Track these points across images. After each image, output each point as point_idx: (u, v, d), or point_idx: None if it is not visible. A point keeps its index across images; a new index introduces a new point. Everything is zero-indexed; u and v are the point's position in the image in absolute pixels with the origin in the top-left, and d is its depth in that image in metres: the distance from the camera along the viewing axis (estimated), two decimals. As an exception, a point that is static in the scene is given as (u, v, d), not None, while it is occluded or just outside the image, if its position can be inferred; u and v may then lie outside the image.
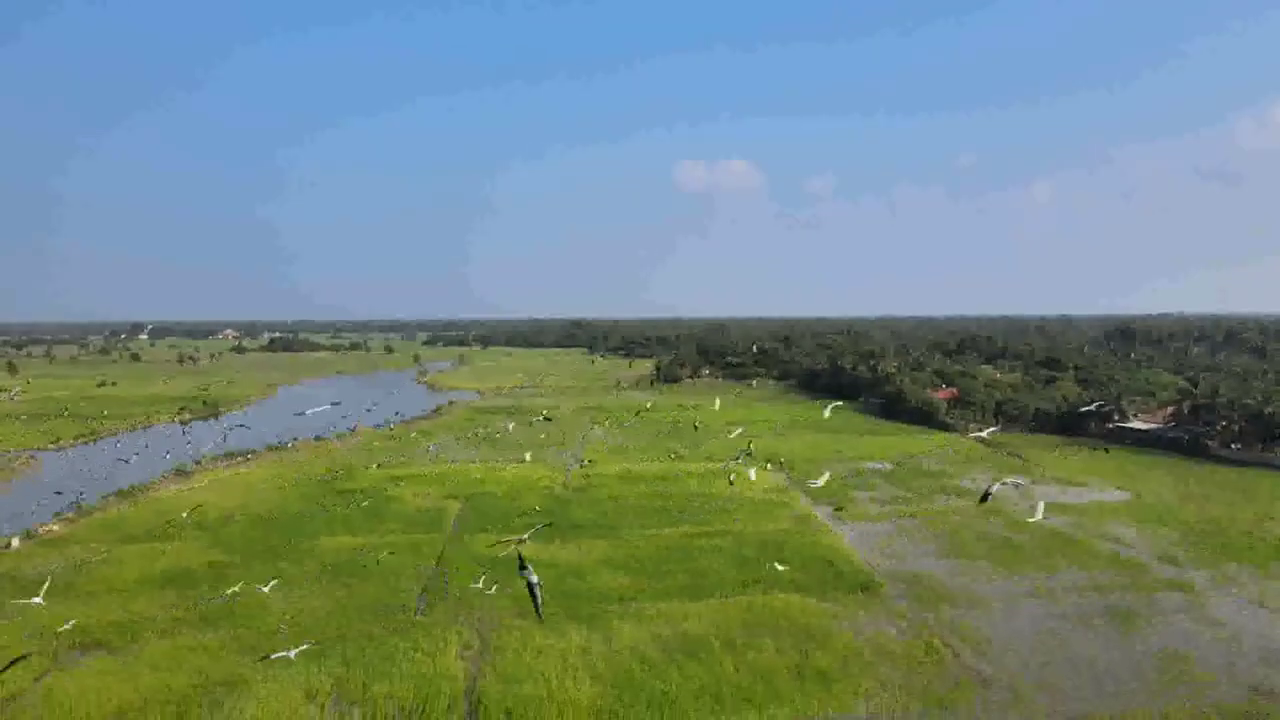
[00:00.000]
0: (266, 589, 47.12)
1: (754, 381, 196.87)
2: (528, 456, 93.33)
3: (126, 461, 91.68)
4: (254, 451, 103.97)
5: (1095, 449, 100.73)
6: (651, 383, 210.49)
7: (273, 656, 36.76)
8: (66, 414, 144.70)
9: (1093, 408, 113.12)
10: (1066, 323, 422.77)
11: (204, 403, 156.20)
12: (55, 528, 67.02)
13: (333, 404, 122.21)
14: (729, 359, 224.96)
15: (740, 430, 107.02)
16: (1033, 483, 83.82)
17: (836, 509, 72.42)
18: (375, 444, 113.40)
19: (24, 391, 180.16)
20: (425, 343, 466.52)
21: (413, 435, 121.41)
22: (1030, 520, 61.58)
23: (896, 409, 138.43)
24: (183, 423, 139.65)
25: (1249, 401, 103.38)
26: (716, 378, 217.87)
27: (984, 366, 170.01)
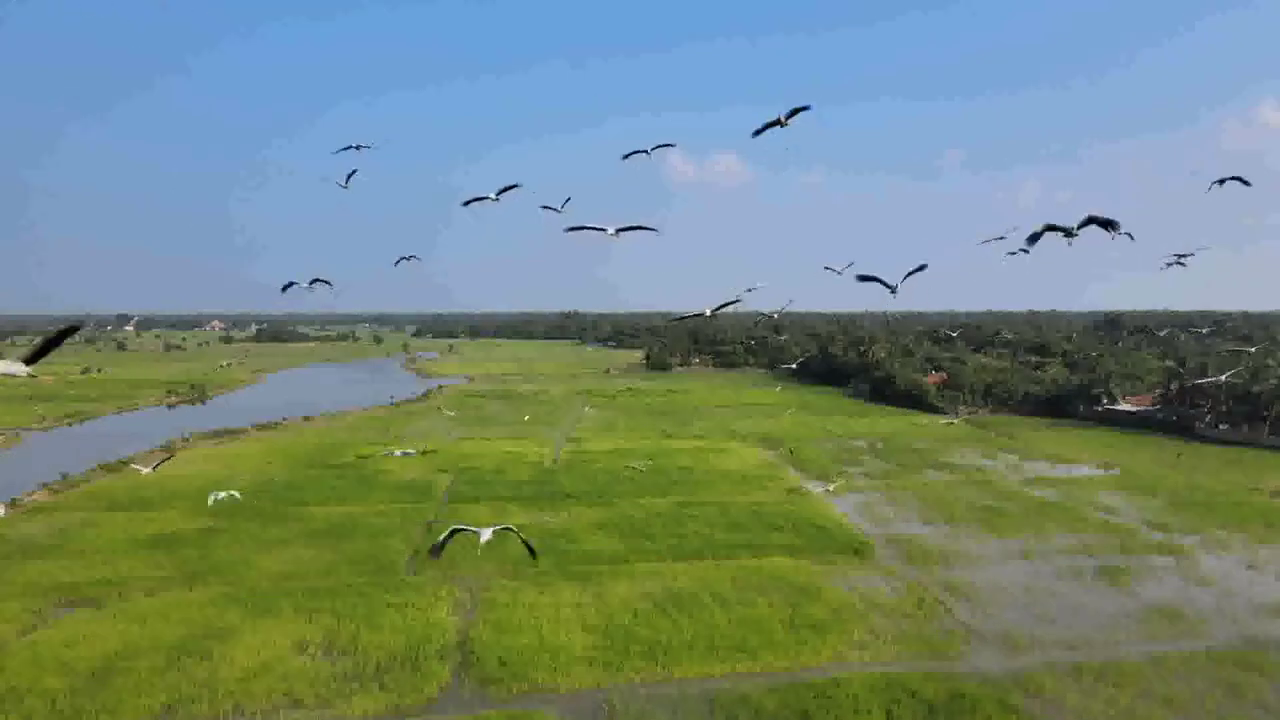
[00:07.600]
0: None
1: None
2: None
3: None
4: (242, 429, 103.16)
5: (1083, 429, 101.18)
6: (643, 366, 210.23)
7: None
8: (51, 398, 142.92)
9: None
10: (1054, 315, 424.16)
11: (191, 386, 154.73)
12: (40, 497, 66.24)
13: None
14: (719, 347, 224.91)
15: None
16: (1021, 459, 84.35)
17: (825, 479, 72.50)
18: (364, 424, 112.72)
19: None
20: (414, 334, 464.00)
21: (401, 417, 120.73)
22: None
23: (885, 393, 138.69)
24: (169, 405, 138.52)
25: (1236, 381, 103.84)
26: (706, 365, 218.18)
27: (974, 355, 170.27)
